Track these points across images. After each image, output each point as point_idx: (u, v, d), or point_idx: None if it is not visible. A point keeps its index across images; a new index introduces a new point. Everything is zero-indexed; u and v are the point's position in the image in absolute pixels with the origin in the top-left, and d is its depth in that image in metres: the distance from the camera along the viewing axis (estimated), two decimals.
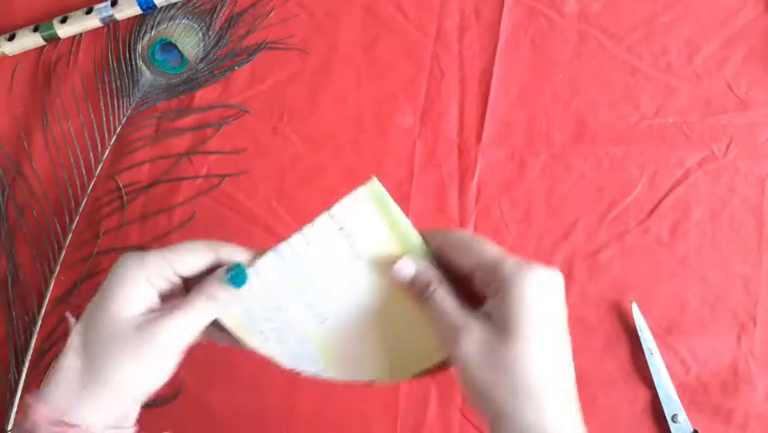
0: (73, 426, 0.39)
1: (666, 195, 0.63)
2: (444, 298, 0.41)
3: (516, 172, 0.63)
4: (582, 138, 0.64)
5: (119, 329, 0.40)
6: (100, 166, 0.63)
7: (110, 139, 0.64)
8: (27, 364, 0.61)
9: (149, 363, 0.41)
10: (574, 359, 0.61)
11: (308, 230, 0.43)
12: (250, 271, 0.42)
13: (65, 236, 0.62)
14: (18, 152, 0.64)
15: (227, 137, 0.64)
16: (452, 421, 0.61)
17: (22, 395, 0.60)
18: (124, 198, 0.63)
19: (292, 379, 0.61)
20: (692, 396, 0.61)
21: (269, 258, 0.43)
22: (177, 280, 0.43)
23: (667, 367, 0.60)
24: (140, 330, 0.40)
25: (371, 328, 0.44)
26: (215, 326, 0.44)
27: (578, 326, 0.62)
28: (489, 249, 0.41)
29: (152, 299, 0.42)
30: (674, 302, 0.62)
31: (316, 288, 0.43)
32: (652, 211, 0.63)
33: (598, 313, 0.62)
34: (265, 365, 0.62)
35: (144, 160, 0.64)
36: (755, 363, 0.61)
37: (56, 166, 0.64)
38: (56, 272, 0.62)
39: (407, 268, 0.42)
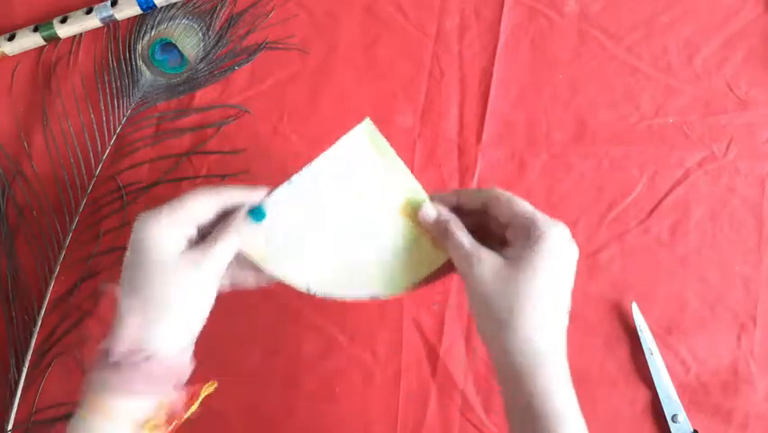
0: (151, 354, 0.45)
1: (666, 195, 0.63)
2: (462, 233, 0.48)
3: (516, 172, 0.63)
4: (582, 138, 0.64)
5: (164, 267, 0.46)
6: (100, 166, 0.63)
7: (110, 139, 0.64)
8: (27, 364, 0.61)
9: (195, 288, 0.47)
10: (574, 359, 0.61)
11: (314, 165, 0.50)
12: (267, 203, 0.49)
13: (65, 236, 0.63)
14: (18, 152, 0.64)
15: (227, 137, 0.64)
16: (452, 421, 0.61)
17: (22, 395, 0.61)
18: (124, 198, 0.63)
19: (292, 378, 0.61)
20: (692, 396, 0.61)
21: (282, 191, 0.50)
22: (193, 229, 0.48)
23: (667, 367, 0.60)
24: (182, 263, 0.46)
25: (374, 248, 0.51)
26: (237, 265, 0.50)
27: (578, 326, 0.62)
28: (528, 205, 0.48)
29: (181, 243, 0.47)
30: (674, 302, 0.62)
31: (324, 215, 0.51)
32: (652, 211, 0.63)
33: (598, 313, 0.62)
34: (265, 364, 0.62)
35: (144, 160, 0.64)
36: (755, 363, 0.61)
37: (56, 166, 0.64)
38: (56, 272, 0.62)
39: (430, 211, 0.50)
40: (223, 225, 0.48)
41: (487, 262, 0.46)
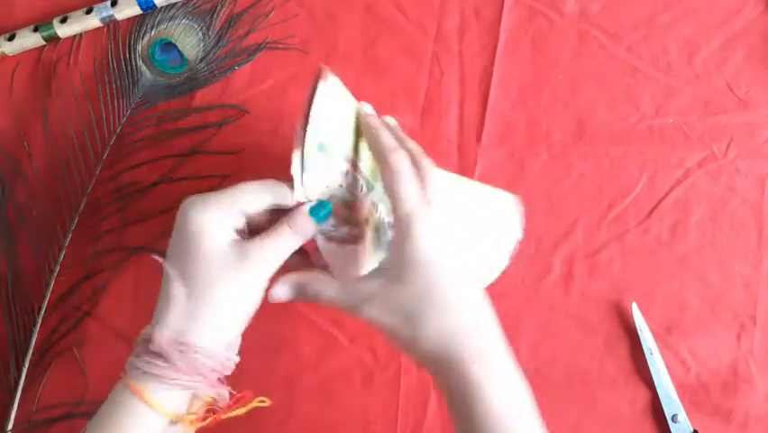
0: (198, 346, 0.44)
1: (666, 195, 0.63)
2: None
3: (516, 172, 0.63)
4: (582, 138, 0.64)
5: (211, 257, 0.44)
6: (100, 166, 0.63)
7: (110, 139, 0.64)
8: (27, 364, 0.61)
9: (245, 282, 0.45)
10: (574, 359, 0.61)
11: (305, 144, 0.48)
12: (305, 179, 0.48)
13: (65, 236, 0.62)
14: (18, 152, 0.64)
15: (227, 137, 0.64)
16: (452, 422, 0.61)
17: (22, 395, 0.61)
18: (124, 198, 0.63)
19: (292, 378, 0.61)
20: (692, 396, 0.61)
21: (308, 165, 0.48)
22: (242, 220, 0.47)
23: (667, 367, 0.60)
24: (233, 254, 0.45)
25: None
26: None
27: (578, 326, 0.62)
28: (395, 162, 0.47)
29: (230, 233, 0.46)
30: (674, 302, 0.62)
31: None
32: (652, 211, 0.63)
33: (598, 313, 0.62)
34: (265, 364, 0.62)
35: (144, 160, 0.64)
36: (755, 363, 0.61)
37: (56, 166, 0.64)
38: (56, 272, 0.62)
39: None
40: (285, 220, 0.47)
41: (365, 289, 0.46)
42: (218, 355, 0.46)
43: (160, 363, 0.44)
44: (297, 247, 0.48)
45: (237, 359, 0.48)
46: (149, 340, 0.44)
